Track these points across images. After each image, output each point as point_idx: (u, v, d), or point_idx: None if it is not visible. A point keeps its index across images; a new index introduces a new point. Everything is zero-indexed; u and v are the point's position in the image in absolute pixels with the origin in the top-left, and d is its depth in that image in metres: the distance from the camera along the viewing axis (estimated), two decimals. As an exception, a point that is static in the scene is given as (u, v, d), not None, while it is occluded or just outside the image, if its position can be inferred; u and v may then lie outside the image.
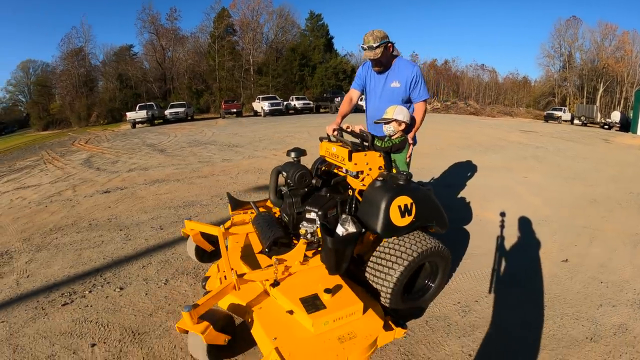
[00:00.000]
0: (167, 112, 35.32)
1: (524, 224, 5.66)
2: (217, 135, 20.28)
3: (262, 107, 35.22)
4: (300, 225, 3.32)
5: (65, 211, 7.65)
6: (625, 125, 30.05)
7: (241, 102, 43.98)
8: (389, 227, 3.07)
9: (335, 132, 3.86)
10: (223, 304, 3.03)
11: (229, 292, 3.02)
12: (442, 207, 3.49)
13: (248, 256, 3.53)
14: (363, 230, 3.10)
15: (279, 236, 3.23)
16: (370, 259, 3.20)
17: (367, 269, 3.20)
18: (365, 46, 3.87)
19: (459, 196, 6.99)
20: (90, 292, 4.25)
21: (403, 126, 3.78)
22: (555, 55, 64.82)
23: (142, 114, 32.51)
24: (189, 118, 36.26)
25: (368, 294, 3.13)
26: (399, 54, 4.17)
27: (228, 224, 4.10)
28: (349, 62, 59.40)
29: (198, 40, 58.75)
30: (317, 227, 3.25)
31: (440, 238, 4.29)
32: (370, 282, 3.15)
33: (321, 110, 40.66)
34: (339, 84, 52.59)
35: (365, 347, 2.52)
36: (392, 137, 3.80)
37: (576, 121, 35.55)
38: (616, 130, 29.22)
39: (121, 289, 4.25)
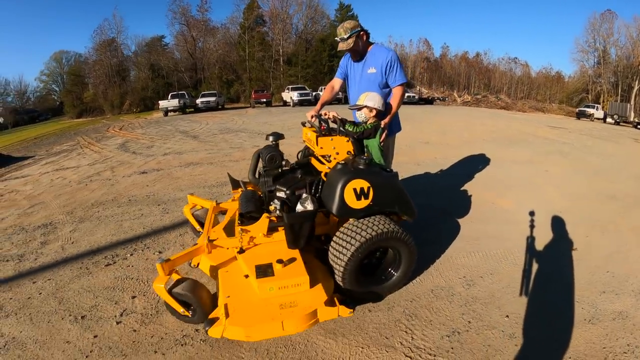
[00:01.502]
0: (198, 100, 36.00)
1: (538, 213, 5.68)
2: (247, 123, 20.59)
3: (291, 97, 35.45)
4: (271, 203, 3.57)
5: (105, 189, 8.14)
6: (660, 126, 27.91)
7: (271, 92, 44.50)
8: (344, 208, 3.19)
9: (314, 118, 4.01)
10: (203, 266, 3.44)
11: (201, 254, 3.41)
12: (408, 195, 3.53)
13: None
14: (317, 208, 3.29)
15: (248, 210, 3.51)
16: (332, 239, 3.36)
17: (329, 248, 3.37)
18: (337, 38, 4.02)
19: (477, 185, 7.07)
20: (131, 255, 4.65)
21: (374, 112, 3.87)
22: (590, 50, 61.75)
23: (174, 102, 33.18)
24: (220, 107, 36.81)
25: (328, 272, 3.35)
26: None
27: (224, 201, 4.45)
28: None
29: (228, 31, 59.29)
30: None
31: (451, 221, 4.90)
32: (330, 260, 3.31)
33: None
34: None
35: (301, 316, 2.79)
36: (366, 123, 3.89)
37: (609, 119, 33.74)
38: (650, 130, 28.23)
39: (160, 252, 4.66)
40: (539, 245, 4.70)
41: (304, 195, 3.41)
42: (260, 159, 3.74)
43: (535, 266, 4.16)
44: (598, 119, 34.88)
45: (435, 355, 2.83)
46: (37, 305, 3.76)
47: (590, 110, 36.24)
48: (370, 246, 3.18)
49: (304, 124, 4.17)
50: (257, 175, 3.83)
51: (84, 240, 5.27)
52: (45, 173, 11.25)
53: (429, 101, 44.46)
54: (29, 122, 63.50)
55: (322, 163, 3.67)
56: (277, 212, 3.43)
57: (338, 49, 4.14)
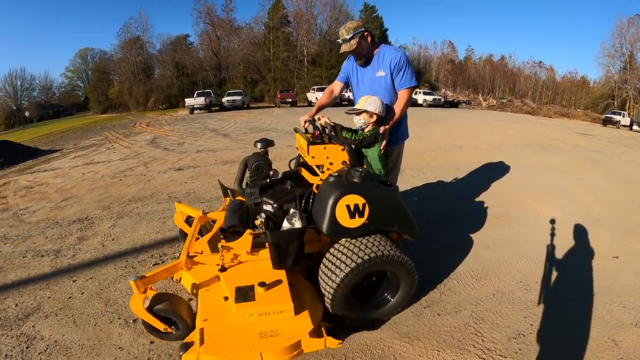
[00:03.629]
0: (224, 99, 36.36)
1: (579, 220, 5.60)
2: (275, 123, 20.41)
3: (316, 98, 34.96)
4: (257, 216, 3.29)
5: (141, 185, 8.07)
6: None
7: (295, 92, 44.33)
8: (335, 227, 2.84)
9: (307, 124, 3.70)
10: (185, 282, 3.16)
11: (179, 270, 3.15)
12: (409, 212, 3.16)
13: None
14: (305, 226, 2.97)
15: (231, 224, 3.20)
16: (323, 260, 3.03)
17: (319, 269, 3.04)
18: (339, 40, 3.71)
19: (518, 191, 6.92)
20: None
21: (374, 118, 3.48)
22: (616, 55, 60.21)
23: (200, 100, 33.40)
24: (245, 106, 36.90)
25: (317, 295, 3.02)
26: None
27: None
28: None
29: (252, 31, 59.48)
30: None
31: (501, 225, 5.10)
32: (320, 282, 2.99)
33: None
34: None
35: (283, 348, 2.48)
36: (365, 130, 3.50)
37: (635, 127, 31.87)
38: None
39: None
40: (582, 252, 4.72)
41: (292, 210, 3.08)
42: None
43: (581, 273, 4.18)
44: (624, 126, 33.17)
45: (505, 357, 2.89)
46: (80, 306, 3.58)
47: (617, 117, 34.61)
48: (364, 271, 2.83)
49: (296, 130, 3.80)
50: (244, 185, 3.55)
51: (125, 237, 5.11)
52: (75, 167, 11.35)
53: (454, 104, 43.78)
54: (53, 116, 65.75)
55: (314, 174, 3.35)
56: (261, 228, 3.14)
57: (340, 51, 3.82)
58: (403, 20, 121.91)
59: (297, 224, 2.94)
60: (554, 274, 4.11)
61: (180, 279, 3.23)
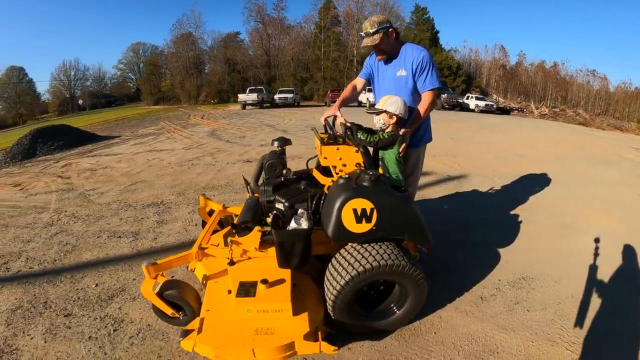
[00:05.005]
0: (276, 96, 36.85)
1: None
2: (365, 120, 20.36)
3: (367, 99, 34.66)
4: (270, 214, 3.20)
5: (212, 174, 8.33)
6: None
7: (345, 91, 43.78)
8: (341, 231, 2.72)
9: (326, 122, 3.56)
10: (198, 272, 3.23)
11: (190, 260, 3.21)
12: (423, 220, 2.96)
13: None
14: (312, 227, 2.88)
15: (243, 220, 3.20)
16: (329, 263, 2.93)
17: (326, 272, 2.94)
18: (362, 33, 3.55)
19: (581, 204, 6.70)
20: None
21: (394, 119, 3.24)
22: None
23: (252, 96, 34.18)
24: (296, 104, 37.09)
25: (321, 299, 2.95)
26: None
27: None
28: (454, 58, 56.53)
29: (303, 30, 59.72)
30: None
31: (568, 234, 5.16)
32: (324, 286, 2.89)
33: None
34: (444, 80, 49.55)
35: (275, 347, 2.48)
36: (385, 131, 3.28)
37: None
38: None
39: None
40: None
41: (300, 210, 3.04)
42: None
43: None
44: (681, 142, 32.23)
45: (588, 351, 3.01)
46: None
47: (673, 132, 33.29)
48: (368, 279, 2.70)
49: (316, 130, 3.61)
50: (260, 183, 3.52)
51: (207, 223, 4.84)
52: (137, 153, 12.02)
53: (505, 111, 42.34)
54: (105, 105, 69.68)
55: (327, 175, 3.23)
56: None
57: (362, 45, 3.64)
58: (454, 23, 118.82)
59: (304, 224, 2.89)
60: (618, 284, 4.04)
61: (195, 268, 3.30)
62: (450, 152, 10.96)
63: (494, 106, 38.24)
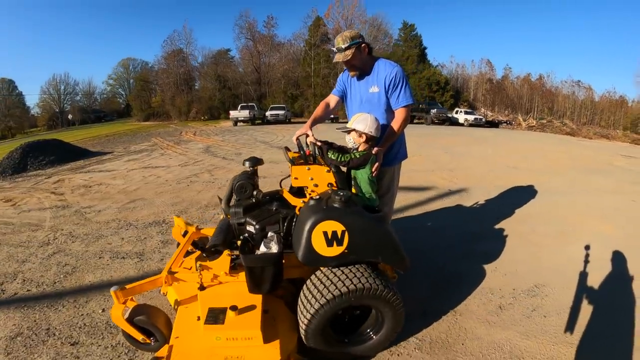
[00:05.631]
0: (268, 113, 36.92)
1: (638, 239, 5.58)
2: (324, 137, 20.26)
3: (358, 115, 35.01)
4: (242, 237, 3.11)
5: (213, 191, 8.19)
6: None
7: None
8: (311, 255, 2.61)
9: (298, 141, 3.49)
10: (170, 297, 3.18)
11: (159, 286, 3.12)
12: (398, 241, 2.86)
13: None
14: (282, 251, 2.77)
15: (213, 243, 3.10)
16: (302, 288, 2.84)
17: (299, 297, 2.84)
18: (335, 48, 3.47)
19: (578, 212, 6.87)
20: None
21: (364, 137, 3.14)
22: None
23: (244, 113, 34.34)
24: (287, 121, 37.12)
25: (294, 324, 2.83)
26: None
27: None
28: (442, 73, 57.10)
29: (293, 47, 60.11)
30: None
31: (573, 247, 5.17)
32: (297, 312, 2.79)
33: (415, 121, 39.12)
34: (432, 95, 50.75)
35: None
36: (358, 150, 3.16)
37: None
38: None
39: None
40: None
41: (270, 234, 2.94)
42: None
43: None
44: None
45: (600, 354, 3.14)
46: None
47: (660, 138, 33.63)
48: (340, 304, 2.59)
49: (288, 149, 3.54)
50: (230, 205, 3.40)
51: (217, 240, 4.72)
52: (132, 169, 11.78)
53: (494, 124, 42.70)
54: (95, 121, 69.86)
55: (300, 196, 3.15)
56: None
57: (334, 61, 3.57)
58: (441, 39, 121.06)
59: (274, 248, 2.78)
60: (626, 284, 4.20)
61: (167, 292, 3.22)
62: (447, 166, 11.06)
63: (483, 120, 38.61)
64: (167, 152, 15.06)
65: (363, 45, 3.43)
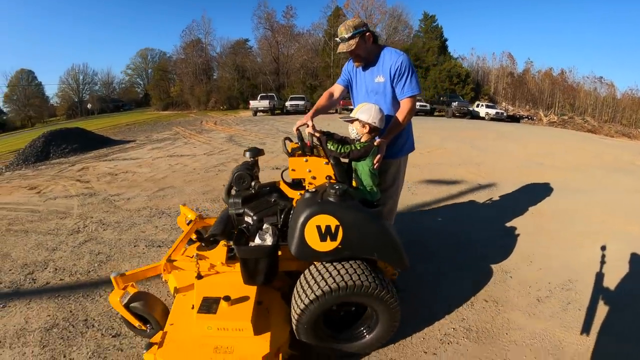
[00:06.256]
0: (287, 103, 36.77)
1: None
2: (345, 127, 20.44)
3: (377, 105, 34.74)
4: (240, 227, 3.12)
5: None
6: None
7: (355, 99, 43.80)
8: (304, 249, 2.57)
9: (298, 131, 3.33)
10: (170, 284, 3.18)
11: (158, 273, 3.13)
12: (395, 238, 2.77)
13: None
14: (276, 243, 2.79)
15: (212, 233, 3.15)
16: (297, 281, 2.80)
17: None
18: (338, 38, 3.34)
19: (605, 211, 6.76)
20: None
21: (367, 128, 3.03)
22: None
23: (264, 103, 34.37)
24: (307, 111, 35.84)
25: (287, 318, 2.81)
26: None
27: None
28: (462, 65, 55.44)
29: (312, 37, 58.85)
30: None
31: (601, 245, 5.14)
32: (291, 305, 2.75)
33: (435, 113, 38.41)
34: (453, 87, 49.31)
35: None
36: (361, 141, 3.06)
37: None
38: None
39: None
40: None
41: (265, 226, 2.93)
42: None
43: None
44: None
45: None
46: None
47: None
48: (332, 300, 2.55)
49: (290, 140, 3.46)
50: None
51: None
52: (157, 158, 11.85)
53: (515, 119, 41.94)
54: (113, 110, 70.62)
55: (298, 188, 3.11)
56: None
57: (337, 51, 3.53)
58: (461, 30, 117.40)
59: (268, 240, 2.79)
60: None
61: (168, 280, 3.23)
62: (474, 160, 10.97)
63: (504, 114, 37.72)
64: (191, 140, 15.16)
65: (367, 34, 3.32)
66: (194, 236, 3.71)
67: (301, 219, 2.51)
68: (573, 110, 55.77)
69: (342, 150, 2.92)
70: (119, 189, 7.69)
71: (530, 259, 4.62)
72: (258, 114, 34.47)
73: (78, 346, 2.99)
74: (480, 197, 7.17)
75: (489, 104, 40.42)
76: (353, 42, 3.25)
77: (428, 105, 37.25)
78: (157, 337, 2.59)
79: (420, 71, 50.65)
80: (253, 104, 34.87)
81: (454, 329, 3.27)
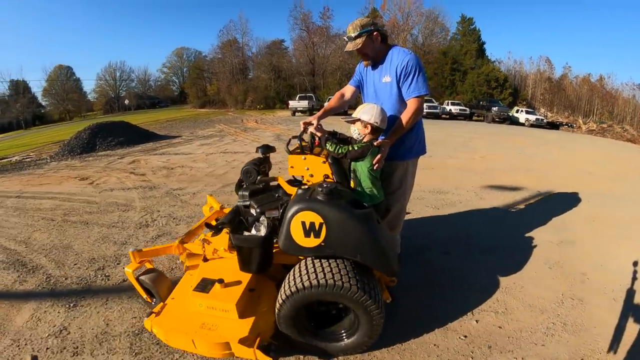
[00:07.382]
0: (325, 104, 35.44)
1: None
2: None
3: (419, 109, 34.32)
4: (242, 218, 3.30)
5: None
6: None
7: (393, 102, 43.55)
8: (289, 243, 2.65)
9: (303, 129, 3.39)
10: (185, 263, 3.46)
11: (171, 252, 3.46)
12: (383, 243, 2.69)
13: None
14: (269, 235, 2.92)
15: (221, 221, 3.25)
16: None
17: None
18: (346, 37, 3.33)
19: None
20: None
21: (369, 128, 3.02)
22: None
23: (303, 103, 35.04)
24: (345, 112, 35.95)
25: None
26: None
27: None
28: (500, 70, 53.32)
29: (349, 39, 58.34)
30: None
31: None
32: None
33: (474, 118, 37.29)
34: (491, 92, 47.54)
35: (213, 343, 2.53)
36: (362, 141, 3.04)
37: None
38: None
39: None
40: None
41: (262, 218, 3.07)
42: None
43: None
44: None
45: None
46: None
47: None
48: (307, 297, 2.56)
49: (297, 138, 3.43)
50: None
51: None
52: (210, 154, 12.01)
53: (554, 126, 40.73)
54: (150, 107, 73.02)
55: (293, 185, 3.22)
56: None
57: (345, 50, 3.46)
58: (498, 34, 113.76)
59: (262, 231, 2.96)
60: None
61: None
62: (525, 167, 10.87)
63: (544, 120, 36.51)
64: (239, 138, 15.34)
65: (375, 33, 3.27)
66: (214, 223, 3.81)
67: (289, 214, 2.59)
68: (612, 118, 54.20)
69: (340, 151, 2.91)
70: (179, 183, 7.54)
71: (601, 262, 4.70)
72: (296, 113, 34.87)
73: (181, 353, 2.82)
74: (543, 204, 7.11)
75: (528, 109, 39.15)
76: (359, 41, 3.24)
77: (468, 109, 36.40)
78: (157, 308, 2.85)
79: (457, 75, 49.62)
80: (292, 104, 35.46)
81: (553, 323, 3.42)
